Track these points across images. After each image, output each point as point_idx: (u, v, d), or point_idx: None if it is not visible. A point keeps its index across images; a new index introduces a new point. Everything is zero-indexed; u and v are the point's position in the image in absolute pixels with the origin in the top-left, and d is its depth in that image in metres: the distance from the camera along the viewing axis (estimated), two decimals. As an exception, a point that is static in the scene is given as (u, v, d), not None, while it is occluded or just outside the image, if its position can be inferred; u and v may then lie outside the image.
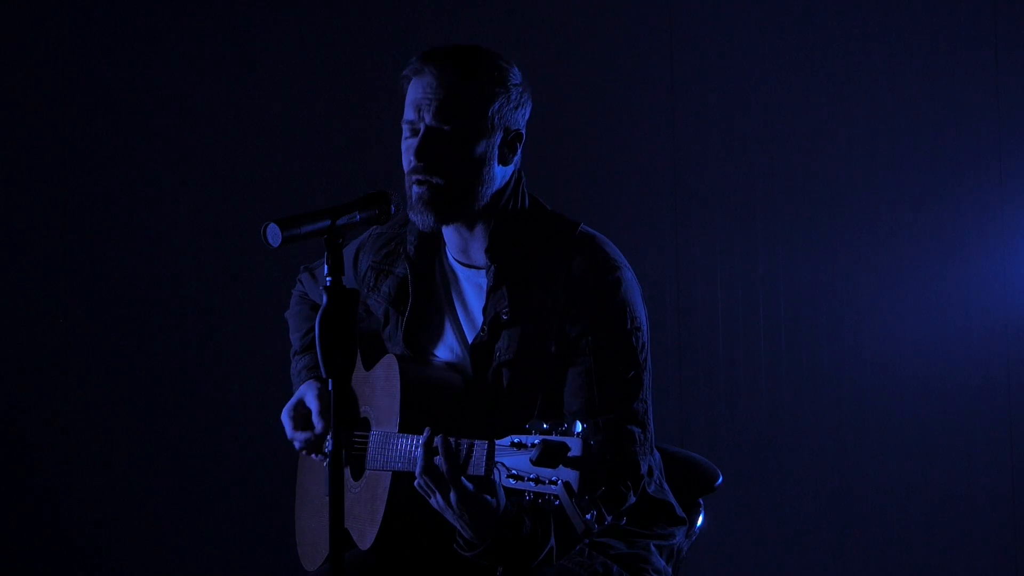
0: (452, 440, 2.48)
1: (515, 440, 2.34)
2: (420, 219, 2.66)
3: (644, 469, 2.63)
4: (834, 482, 4.63)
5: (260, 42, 4.77)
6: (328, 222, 2.34)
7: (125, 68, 4.74)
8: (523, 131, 2.71)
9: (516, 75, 2.69)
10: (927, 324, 4.60)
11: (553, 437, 2.28)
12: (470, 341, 2.71)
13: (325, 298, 2.28)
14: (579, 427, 2.28)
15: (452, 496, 2.48)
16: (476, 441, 2.44)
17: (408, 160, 2.66)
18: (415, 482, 2.52)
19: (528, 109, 2.72)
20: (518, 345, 2.65)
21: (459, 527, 2.53)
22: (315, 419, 2.84)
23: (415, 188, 2.64)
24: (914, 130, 4.63)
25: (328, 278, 2.29)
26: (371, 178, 4.60)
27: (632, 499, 2.58)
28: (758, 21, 4.69)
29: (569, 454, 2.25)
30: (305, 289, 3.08)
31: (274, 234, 2.33)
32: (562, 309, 2.63)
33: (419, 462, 2.49)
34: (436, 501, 2.51)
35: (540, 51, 4.67)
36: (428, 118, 2.62)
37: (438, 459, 2.48)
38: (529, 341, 2.65)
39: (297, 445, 2.90)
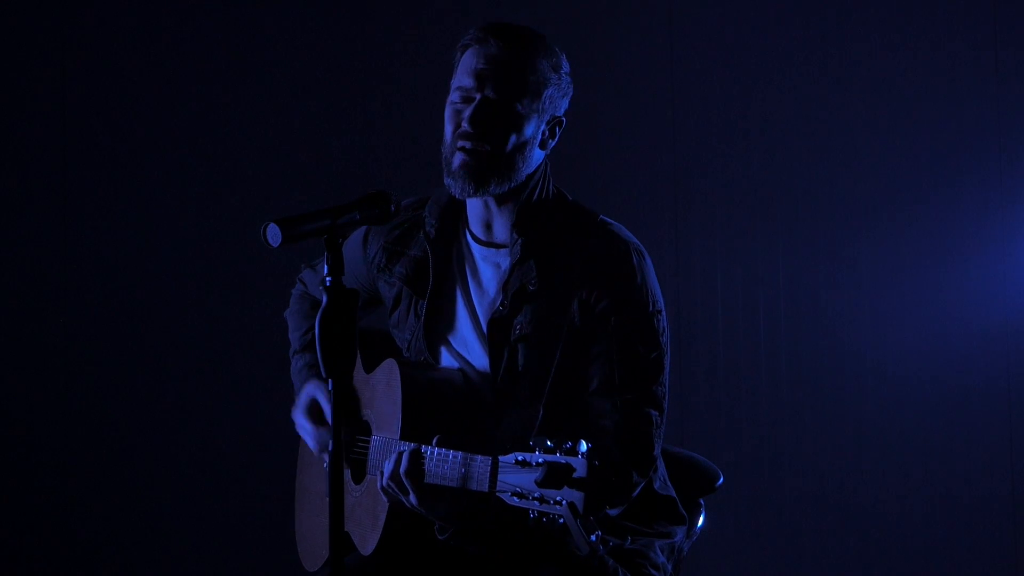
0: (451, 452, 2.48)
1: (519, 458, 2.32)
2: (459, 186, 2.65)
3: (657, 451, 2.65)
4: (834, 482, 4.63)
5: (260, 42, 4.77)
6: (328, 222, 2.35)
7: (125, 67, 4.74)
8: (564, 119, 2.73)
9: (566, 63, 2.73)
10: (927, 324, 4.60)
11: (558, 457, 2.27)
12: (484, 319, 2.70)
13: (325, 298, 2.28)
14: (583, 446, 2.27)
15: (412, 498, 2.51)
16: (479, 456, 2.43)
17: (457, 124, 2.65)
18: (379, 484, 2.55)
19: (569, 99, 2.75)
20: (539, 318, 2.65)
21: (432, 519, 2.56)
22: (329, 419, 2.83)
23: (459, 155, 2.64)
24: (914, 129, 4.63)
25: (328, 278, 2.29)
26: (371, 178, 4.61)
27: (643, 482, 2.60)
28: (758, 20, 4.69)
29: (574, 475, 2.24)
30: (306, 286, 3.07)
31: (274, 234, 2.33)
32: (585, 286, 2.64)
33: (387, 469, 2.52)
34: (408, 501, 2.53)
35: (540, 51, 4.67)
36: (488, 89, 2.63)
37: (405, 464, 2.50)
38: (549, 315, 2.65)
39: (315, 446, 2.88)
